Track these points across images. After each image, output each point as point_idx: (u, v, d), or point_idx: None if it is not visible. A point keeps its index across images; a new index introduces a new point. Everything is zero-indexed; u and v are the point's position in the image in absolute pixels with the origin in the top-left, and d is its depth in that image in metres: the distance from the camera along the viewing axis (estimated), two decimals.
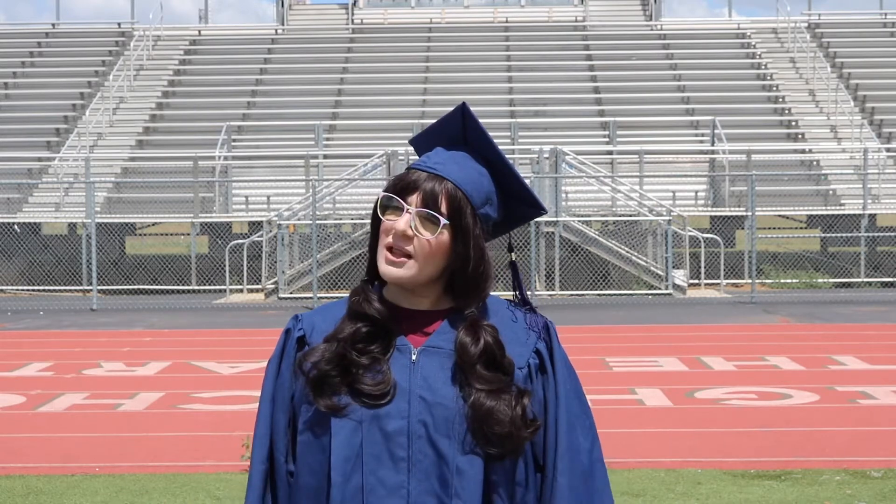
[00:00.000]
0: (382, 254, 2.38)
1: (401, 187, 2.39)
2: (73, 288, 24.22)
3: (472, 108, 2.52)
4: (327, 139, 28.45)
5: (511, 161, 2.50)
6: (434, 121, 2.53)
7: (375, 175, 24.21)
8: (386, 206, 2.39)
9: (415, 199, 2.37)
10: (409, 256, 2.36)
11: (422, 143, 2.53)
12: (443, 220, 2.36)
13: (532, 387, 2.42)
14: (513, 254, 2.56)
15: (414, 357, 2.39)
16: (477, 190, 2.41)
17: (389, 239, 2.37)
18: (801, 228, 26.65)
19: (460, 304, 2.42)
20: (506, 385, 2.37)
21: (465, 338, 2.38)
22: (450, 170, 2.40)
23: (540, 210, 2.55)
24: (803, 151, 27.88)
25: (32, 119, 29.76)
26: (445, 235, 2.37)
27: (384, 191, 2.42)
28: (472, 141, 2.47)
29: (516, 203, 2.51)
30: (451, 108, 2.52)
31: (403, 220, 2.36)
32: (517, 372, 2.41)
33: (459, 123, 2.48)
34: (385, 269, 2.37)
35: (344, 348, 2.37)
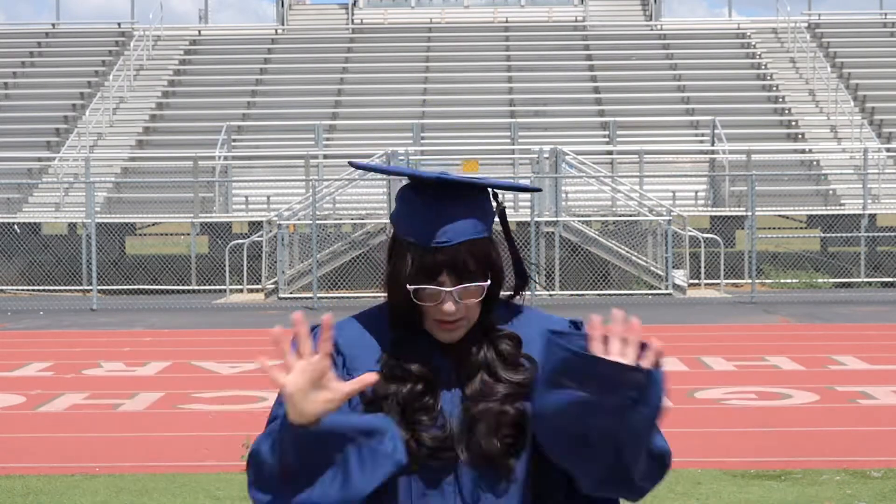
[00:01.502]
0: (434, 325, 2.34)
1: (425, 274, 2.30)
2: (73, 288, 24.22)
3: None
4: (327, 139, 28.45)
5: (485, 179, 2.44)
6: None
7: (375, 175, 24.20)
8: (419, 294, 2.32)
9: (445, 278, 2.31)
10: (457, 321, 2.34)
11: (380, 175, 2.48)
12: (485, 284, 2.33)
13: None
14: (499, 199, 2.45)
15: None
16: (482, 222, 2.37)
17: (439, 315, 2.33)
18: (801, 228, 26.65)
19: (483, 319, 2.41)
20: (510, 395, 2.36)
21: (477, 352, 2.39)
22: (457, 231, 2.33)
23: (533, 190, 2.53)
24: (803, 151, 27.88)
25: (32, 119, 29.75)
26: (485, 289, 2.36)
27: (409, 282, 2.31)
28: (447, 193, 2.38)
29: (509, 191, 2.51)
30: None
31: (449, 305, 2.30)
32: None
33: (433, 183, 2.38)
34: (443, 337, 2.35)
35: (402, 412, 2.32)
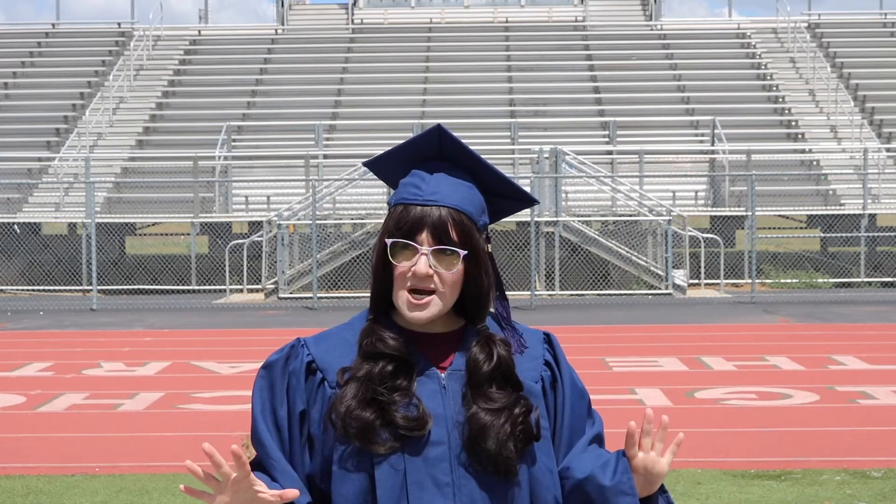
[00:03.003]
0: (403, 298, 2.34)
1: (406, 229, 2.33)
2: (73, 288, 24.22)
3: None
4: (327, 139, 28.45)
5: (489, 161, 2.47)
6: (407, 136, 2.50)
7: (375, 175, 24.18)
8: (395, 251, 2.34)
9: (424, 237, 2.33)
10: (430, 293, 2.34)
11: (387, 164, 2.46)
12: (461, 252, 2.34)
13: (546, 400, 2.46)
14: (489, 245, 2.48)
15: (444, 383, 2.38)
16: (474, 206, 2.40)
17: (408, 283, 2.33)
18: (801, 228, 26.65)
19: (472, 321, 2.42)
20: (511, 402, 2.37)
21: (478, 354, 2.38)
22: (447, 195, 2.36)
23: (530, 202, 2.54)
24: (803, 151, 27.89)
25: (32, 119, 29.76)
26: (461, 263, 2.35)
27: (387, 237, 2.34)
28: (449, 155, 2.43)
29: (502, 200, 2.49)
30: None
31: (422, 263, 2.31)
32: (533, 385, 2.43)
33: (435, 142, 2.41)
34: (412, 315, 2.34)
35: (374, 391, 2.33)
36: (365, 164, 2.55)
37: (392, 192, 2.46)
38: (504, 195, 2.48)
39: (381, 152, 2.49)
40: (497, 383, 2.37)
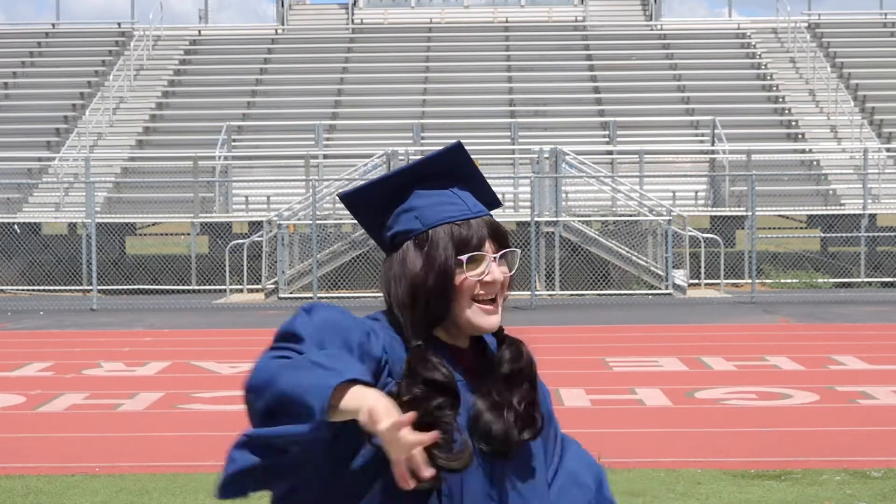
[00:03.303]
0: (474, 309, 2.34)
1: (476, 243, 2.35)
2: (73, 288, 24.22)
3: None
4: (327, 139, 28.45)
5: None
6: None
7: (375, 175, 24.21)
8: (466, 262, 2.33)
9: (489, 245, 2.37)
10: (494, 299, 2.37)
11: (380, 190, 2.41)
12: (518, 251, 2.42)
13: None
14: None
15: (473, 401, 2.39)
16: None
17: (479, 291, 2.34)
18: (801, 228, 26.66)
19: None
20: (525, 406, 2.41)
21: (509, 355, 2.41)
22: (481, 205, 2.42)
23: (496, 205, 2.54)
24: (803, 151, 27.89)
25: (32, 119, 29.76)
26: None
27: (457, 255, 2.32)
28: (450, 171, 2.42)
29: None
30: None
31: (496, 270, 2.36)
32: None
33: (445, 162, 2.41)
34: (488, 323, 2.35)
35: (432, 422, 2.24)
36: (341, 196, 2.47)
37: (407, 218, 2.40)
38: (489, 203, 2.49)
39: (361, 183, 2.45)
40: (517, 383, 2.41)
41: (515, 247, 2.43)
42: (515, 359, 2.41)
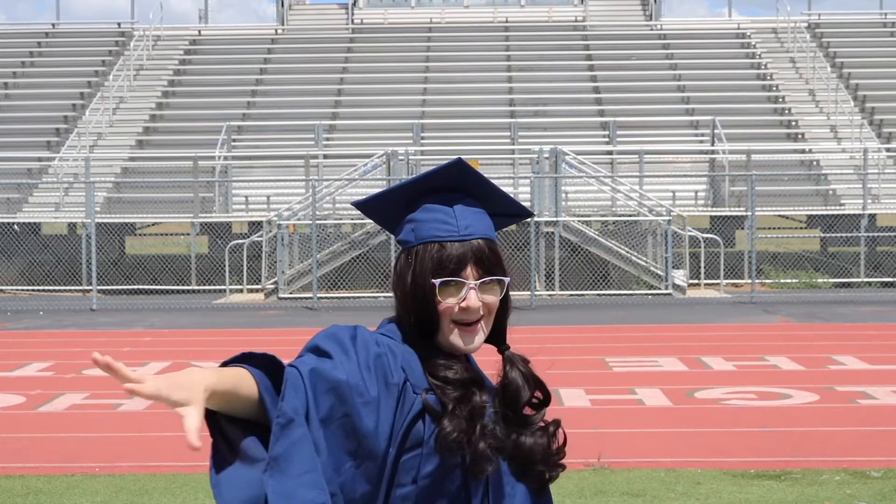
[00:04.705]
0: (453, 331, 2.34)
1: (452, 267, 2.33)
2: (73, 288, 24.22)
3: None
4: (327, 139, 28.45)
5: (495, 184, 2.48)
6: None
7: (375, 175, 24.21)
8: (442, 289, 2.32)
9: (469, 271, 2.34)
10: (476, 321, 2.35)
11: (390, 202, 2.44)
12: (506, 280, 2.38)
13: None
14: None
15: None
16: (493, 231, 2.43)
17: (458, 315, 2.34)
18: (801, 228, 26.66)
19: (499, 342, 2.45)
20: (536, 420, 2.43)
21: (516, 378, 2.41)
22: (477, 227, 2.38)
23: (529, 215, 2.57)
24: (803, 151, 27.89)
25: (32, 119, 29.76)
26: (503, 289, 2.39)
27: (432, 277, 2.32)
28: (462, 185, 2.42)
29: (504, 218, 2.51)
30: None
31: (473, 297, 2.32)
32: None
33: (453, 174, 2.41)
34: (465, 345, 2.35)
35: (482, 423, 2.33)
36: (354, 204, 2.51)
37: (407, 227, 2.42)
38: (508, 214, 2.50)
39: (376, 192, 2.48)
40: (529, 403, 2.43)
41: (508, 266, 2.40)
42: (523, 386, 2.42)
